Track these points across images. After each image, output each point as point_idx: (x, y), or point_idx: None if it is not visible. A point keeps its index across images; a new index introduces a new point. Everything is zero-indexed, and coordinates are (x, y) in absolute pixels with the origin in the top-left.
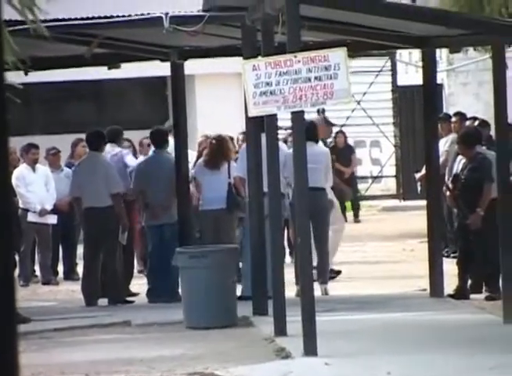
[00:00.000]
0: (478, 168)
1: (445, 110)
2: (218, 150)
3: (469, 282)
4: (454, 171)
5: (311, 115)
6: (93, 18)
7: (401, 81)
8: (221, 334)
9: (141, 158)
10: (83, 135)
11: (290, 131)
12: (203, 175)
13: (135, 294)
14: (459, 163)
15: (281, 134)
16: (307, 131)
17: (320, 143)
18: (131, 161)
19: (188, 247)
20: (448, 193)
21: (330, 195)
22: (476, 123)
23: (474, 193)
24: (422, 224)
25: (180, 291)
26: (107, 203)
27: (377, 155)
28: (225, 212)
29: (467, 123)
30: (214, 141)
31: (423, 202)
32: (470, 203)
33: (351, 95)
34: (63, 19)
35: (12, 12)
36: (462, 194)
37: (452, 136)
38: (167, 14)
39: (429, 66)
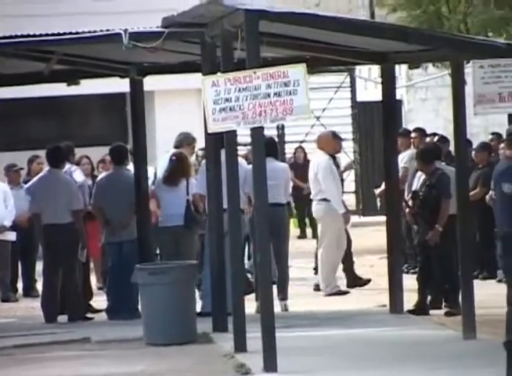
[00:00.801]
0: (436, 184)
1: (404, 126)
2: (176, 168)
3: (428, 298)
4: (413, 187)
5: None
6: (52, 35)
7: (360, 97)
8: (181, 350)
9: (101, 175)
10: (42, 152)
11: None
12: (162, 192)
13: (98, 311)
14: (419, 179)
15: (241, 150)
16: (266, 147)
17: (277, 162)
18: (79, 177)
19: (147, 263)
20: (407, 209)
21: (342, 209)
22: (435, 139)
23: (432, 210)
24: (381, 240)
25: (140, 307)
26: (67, 219)
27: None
28: (184, 229)
29: (427, 139)
30: (173, 158)
31: (383, 218)
32: (428, 219)
33: (310, 111)
34: (22, 36)
35: None
36: (421, 210)
37: (411, 152)
38: (126, 30)
39: (388, 82)
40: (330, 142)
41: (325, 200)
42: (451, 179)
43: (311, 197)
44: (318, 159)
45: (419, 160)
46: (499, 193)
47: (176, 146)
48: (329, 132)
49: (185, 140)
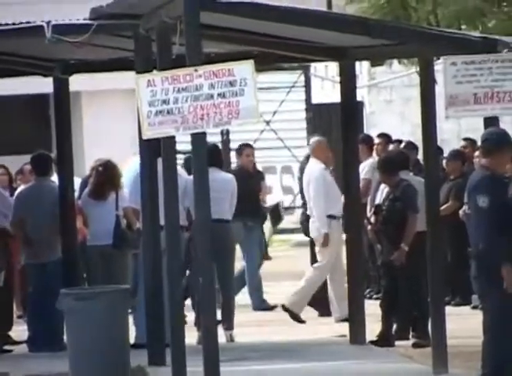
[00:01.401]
0: (401, 197)
1: (365, 131)
2: (104, 179)
3: (394, 326)
4: (376, 201)
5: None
6: None
7: (316, 99)
8: None
9: (21, 187)
10: None
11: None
12: (89, 207)
13: (18, 343)
14: (382, 192)
15: (180, 159)
16: (209, 155)
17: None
18: None
19: (74, 288)
20: (369, 226)
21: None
22: (402, 145)
23: (397, 226)
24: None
25: (65, 338)
26: None
27: (289, 182)
28: (113, 249)
29: (391, 146)
30: (100, 168)
31: (342, 236)
32: (393, 237)
33: (259, 115)
34: None
35: None
36: (384, 227)
37: (373, 161)
38: (49, 22)
39: (348, 82)
40: (325, 150)
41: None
42: (419, 192)
43: (308, 212)
44: (311, 168)
45: (381, 170)
46: (474, 208)
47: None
48: (324, 139)
49: None
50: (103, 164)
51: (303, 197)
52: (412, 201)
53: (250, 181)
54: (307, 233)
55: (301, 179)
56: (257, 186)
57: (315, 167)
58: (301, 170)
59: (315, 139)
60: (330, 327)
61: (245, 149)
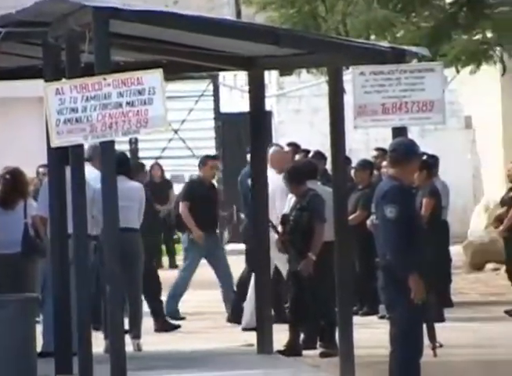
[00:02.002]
0: (308, 206)
1: (274, 140)
2: (12, 187)
3: (301, 336)
4: (284, 210)
5: (122, 146)
6: None
7: (224, 108)
8: None
9: None
10: None
11: None
12: None
13: None
14: (290, 201)
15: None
16: (117, 163)
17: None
18: None
19: None
20: (276, 235)
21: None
22: (310, 155)
23: (304, 236)
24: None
25: None
26: None
27: None
28: (22, 257)
29: (297, 156)
30: (7, 176)
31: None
32: (300, 246)
33: (167, 123)
34: None
35: None
36: (292, 237)
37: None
38: None
39: (256, 91)
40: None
41: None
42: (327, 201)
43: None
44: (273, 178)
45: (287, 180)
46: (381, 218)
47: (87, 160)
48: (279, 148)
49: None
50: (10, 171)
51: (247, 207)
52: (319, 211)
53: (210, 191)
54: (247, 242)
55: (244, 191)
56: (215, 196)
57: (275, 177)
58: (241, 183)
59: (272, 148)
60: (238, 335)
61: (209, 161)
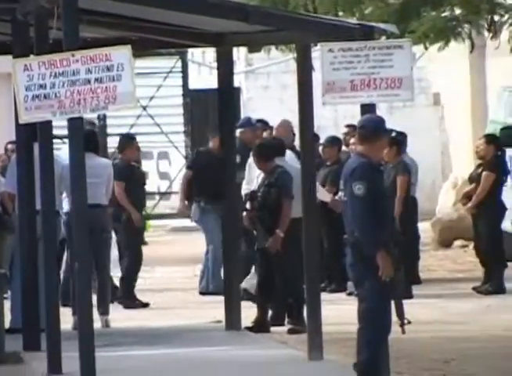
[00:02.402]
0: (276, 182)
1: (242, 117)
2: None
3: (269, 313)
4: (252, 187)
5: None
6: None
7: (193, 84)
8: None
9: None
10: None
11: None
12: None
13: None
14: (258, 178)
15: (56, 143)
16: (86, 140)
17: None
18: None
19: None
20: (244, 212)
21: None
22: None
23: (272, 212)
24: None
25: None
26: None
27: (166, 168)
28: None
29: (264, 134)
30: None
31: None
32: (268, 223)
33: (136, 100)
34: None
35: None
36: (260, 213)
37: None
38: None
39: (225, 68)
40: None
41: None
42: (295, 178)
43: None
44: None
45: (256, 157)
46: (349, 195)
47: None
48: (288, 120)
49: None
50: None
51: None
52: (287, 187)
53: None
54: None
55: None
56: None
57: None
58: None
59: (280, 121)
60: (206, 312)
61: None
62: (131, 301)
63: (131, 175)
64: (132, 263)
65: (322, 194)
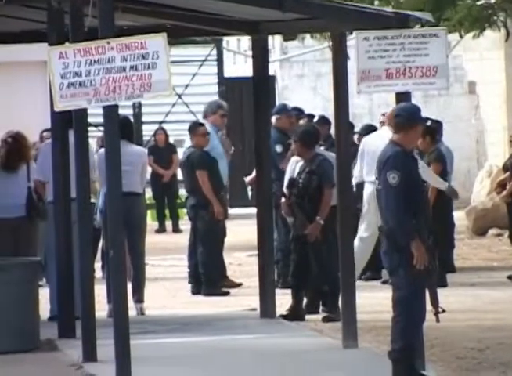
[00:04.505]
0: (318, 171)
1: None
2: (15, 150)
3: (304, 301)
4: (290, 174)
5: (126, 110)
6: None
7: (228, 73)
8: (21, 359)
9: None
10: None
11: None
12: None
13: None
14: (296, 165)
15: (92, 131)
16: (121, 128)
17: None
18: None
19: None
20: (282, 199)
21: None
22: (315, 120)
23: (313, 200)
24: (251, 235)
25: None
26: None
27: None
28: (26, 221)
29: (301, 121)
30: (9, 139)
31: (254, 210)
32: (308, 210)
33: (171, 88)
34: None
35: None
36: (300, 201)
37: None
38: None
39: (260, 56)
40: None
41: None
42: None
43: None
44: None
45: (298, 144)
46: (384, 184)
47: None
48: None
49: (209, 109)
50: (12, 135)
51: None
52: (329, 175)
53: None
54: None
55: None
56: None
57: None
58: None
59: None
60: (240, 300)
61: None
62: (212, 289)
63: (211, 163)
64: (208, 254)
65: (438, 182)
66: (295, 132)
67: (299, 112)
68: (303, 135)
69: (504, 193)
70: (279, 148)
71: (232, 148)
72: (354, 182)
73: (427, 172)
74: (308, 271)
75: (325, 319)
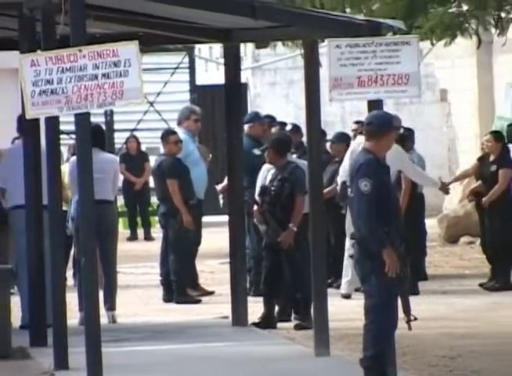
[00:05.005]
0: (289, 178)
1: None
2: None
3: (276, 308)
4: (261, 182)
5: (98, 118)
6: None
7: (200, 80)
8: None
9: None
10: None
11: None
12: None
13: None
14: (268, 173)
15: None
16: (93, 135)
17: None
18: None
19: None
20: (255, 207)
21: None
22: (288, 128)
23: (285, 207)
24: (223, 243)
25: None
26: None
27: None
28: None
29: (273, 129)
30: None
31: (226, 218)
32: (280, 218)
33: (143, 96)
34: None
35: None
36: (272, 208)
37: None
38: None
39: (232, 63)
40: None
41: None
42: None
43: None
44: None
45: (271, 151)
46: (356, 191)
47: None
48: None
49: (182, 116)
50: None
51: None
52: (301, 182)
53: None
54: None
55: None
56: None
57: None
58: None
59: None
60: (212, 308)
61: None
62: (184, 297)
63: (182, 171)
64: (179, 262)
65: (427, 180)
66: (267, 140)
67: (271, 120)
68: (275, 142)
69: (485, 199)
70: (257, 151)
71: (210, 155)
72: (339, 180)
73: (416, 171)
74: (281, 279)
75: (297, 327)
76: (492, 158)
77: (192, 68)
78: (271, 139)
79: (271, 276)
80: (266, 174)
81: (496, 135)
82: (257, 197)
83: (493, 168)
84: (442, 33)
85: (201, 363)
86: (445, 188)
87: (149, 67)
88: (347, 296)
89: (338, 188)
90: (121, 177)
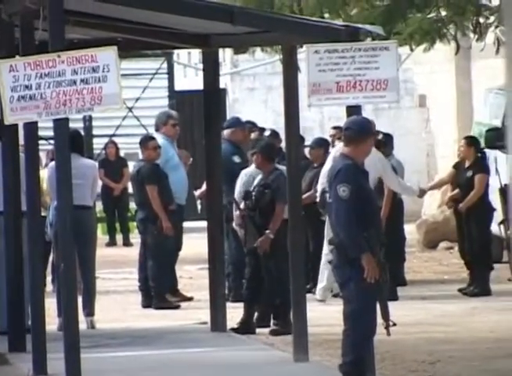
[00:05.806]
0: (272, 185)
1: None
2: None
3: (256, 314)
4: (241, 187)
5: (76, 123)
6: None
7: (179, 86)
8: None
9: None
10: None
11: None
12: None
13: None
14: (249, 177)
15: (41, 144)
16: (71, 141)
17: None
18: None
19: None
20: (237, 211)
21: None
22: (267, 133)
23: (264, 214)
24: (202, 248)
25: None
26: None
27: None
28: None
29: (252, 135)
30: None
31: (204, 223)
32: (258, 224)
33: (122, 101)
34: None
35: None
36: (252, 213)
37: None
38: None
39: (211, 69)
40: None
41: None
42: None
43: None
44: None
45: (260, 156)
46: (334, 197)
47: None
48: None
49: (159, 121)
50: None
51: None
52: (282, 191)
53: None
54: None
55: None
56: None
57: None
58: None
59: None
60: (191, 313)
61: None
62: (163, 302)
63: (161, 177)
64: (158, 267)
65: (409, 191)
66: (257, 145)
67: (252, 125)
68: (266, 148)
69: (461, 205)
70: (237, 158)
71: (191, 159)
72: (319, 187)
73: (396, 181)
74: (261, 284)
75: (274, 333)
76: (467, 164)
77: (170, 74)
78: (260, 144)
79: (253, 281)
80: (246, 178)
81: (469, 140)
82: (238, 200)
83: (469, 173)
84: (421, 38)
85: (180, 368)
86: (423, 194)
87: (128, 73)
88: (322, 301)
89: (318, 194)
90: (100, 183)
